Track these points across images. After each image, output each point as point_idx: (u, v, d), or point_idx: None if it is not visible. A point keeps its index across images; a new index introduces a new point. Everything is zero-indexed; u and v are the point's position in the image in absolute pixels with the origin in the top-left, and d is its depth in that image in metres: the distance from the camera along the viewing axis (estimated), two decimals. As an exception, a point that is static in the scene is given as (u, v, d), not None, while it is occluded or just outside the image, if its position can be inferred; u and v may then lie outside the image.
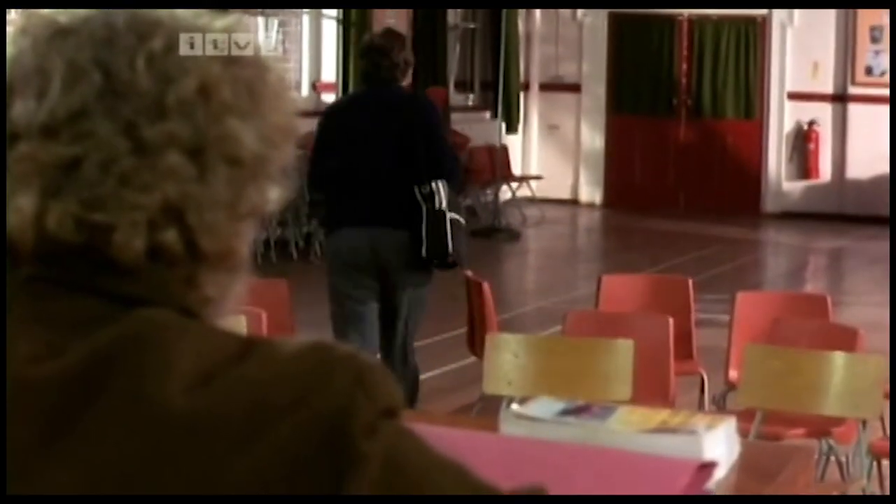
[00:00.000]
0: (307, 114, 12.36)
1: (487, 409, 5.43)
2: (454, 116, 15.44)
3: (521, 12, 17.20)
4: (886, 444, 5.31)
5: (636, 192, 17.22)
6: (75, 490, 1.06)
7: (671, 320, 5.88)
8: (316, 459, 1.05)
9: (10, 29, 1.18)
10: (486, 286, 6.48)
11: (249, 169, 1.17)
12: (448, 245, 6.23)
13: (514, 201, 15.78)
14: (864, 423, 5.14)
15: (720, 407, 6.14)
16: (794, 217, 16.27)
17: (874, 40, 16.20)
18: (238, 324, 4.32)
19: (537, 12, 17.54)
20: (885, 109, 15.74)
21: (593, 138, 17.55)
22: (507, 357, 5.18)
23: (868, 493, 5.21)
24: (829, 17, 16.23)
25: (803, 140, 16.64)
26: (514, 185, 16.04)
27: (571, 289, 11.28)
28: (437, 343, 8.20)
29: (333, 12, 14.44)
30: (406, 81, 6.50)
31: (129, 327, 1.09)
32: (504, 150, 16.11)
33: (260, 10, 12.89)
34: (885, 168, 15.74)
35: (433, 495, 1.09)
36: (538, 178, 16.94)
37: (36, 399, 1.08)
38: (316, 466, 1.05)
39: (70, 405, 1.07)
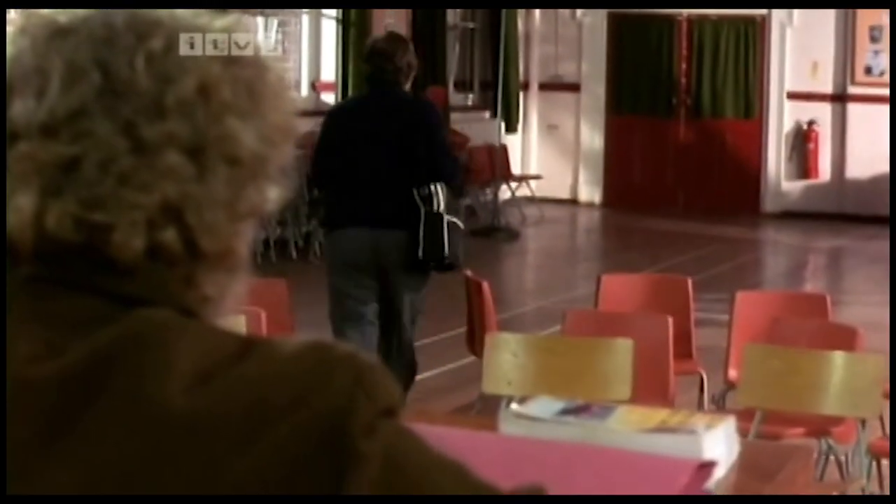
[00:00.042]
0: (306, 113, 12.38)
1: (487, 409, 5.44)
2: (454, 116, 15.44)
3: (521, 12, 17.20)
4: (886, 444, 5.31)
5: (635, 191, 17.22)
6: (75, 490, 1.06)
7: (670, 320, 5.88)
8: (315, 459, 1.05)
9: (9, 29, 1.17)
10: (485, 286, 6.49)
11: (249, 168, 1.17)
12: (444, 247, 6.29)
13: (514, 201, 15.78)
14: (864, 422, 5.14)
15: (719, 406, 6.14)
16: (793, 217, 16.27)
17: (874, 40, 16.20)
18: (237, 323, 4.32)
19: (537, 12, 17.54)
20: (884, 109, 15.75)
21: (593, 138, 17.55)
22: (506, 356, 5.18)
23: (867, 492, 5.21)
24: (828, 16, 16.23)
25: (803, 140, 16.64)
26: (514, 184, 16.05)
27: (571, 288, 11.28)
28: (436, 342, 8.20)
29: (333, 12, 14.44)
30: (409, 85, 6.55)
31: (129, 327, 1.09)
32: (503, 149, 16.11)
33: (259, 9, 12.89)
34: (884, 167, 15.74)
35: (433, 495, 1.09)
36: (537, 177, 16.94)
37: (36, 399, 1.08)
38: (315, 466, 1.05)
39: (70, 405, 1.07)
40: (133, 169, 1.12)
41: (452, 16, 16.48)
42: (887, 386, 5.27)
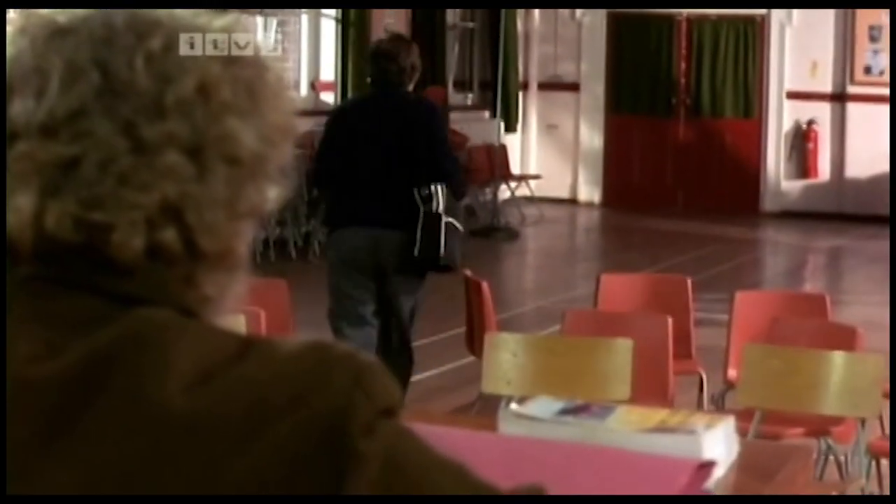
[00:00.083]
0: (306, 113, 12.38)
1: (486, 409, 5.43)
2: (453, 116, 15.43)
3: (520, 12, 17.20)
4: (885, 444, 5.30)
5: (635, 191, 17.22)
6: (75, 490, 1.06)
7: (670, 320, 5.88)
8: (315, 459, 1.05)
9: (9, 28, 1.17)
10: (484, 285, 6.49)
11: (248, 168, 1.17)
12: (440, 248, 6.32)
13: (513, 200, 15.78)
14: (863, 422, 5.14)
15: (719, 406, 6.13)
16: (792, 216, 16.27)
17: (873, 39, 16.20)
18: (237, 323, 4.32)
19: (536, 12, 17.54)
20: (883, 109, 15.75)
21: (592, 137, 17.55)
22: (505, 356, 5.18)
23: (867, 492, 5.20)
24: (827, 16, 16.24)
25: (802, 139, 16.64)
26: (513, 184, 16.05)
27: (570, 288, 11.28)
28: (435, 342, 8.20)
29: (332, 12, 14.44)
30: (413, 85, 6.58)
31: (129, 327, 1.09)
32: (503, 149, 16.11)
33: (259, 9, 12.89)
34: (883, 167, 15.74)
35: (432, 495, 1.09)
36: (537, 177, 16.94)
37: (36, 399, 1.08)
38: (315, 466, 1.05)
39: (70, 405, 1.07)
40: (132, 169, 1.12)
41: (452, 15, 16.48)
42: (887, 386, 5.27)
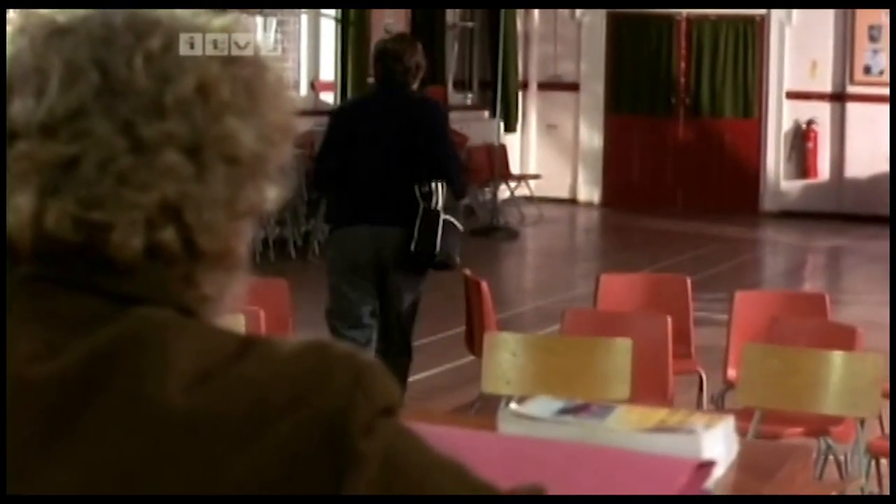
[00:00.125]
0: (305, 113, 12.38)
1: (486, 408, 5.44)
2: (452, 115, 15.35)
3: (520, 11, 17.19)
4: (885, 443, 5.30)
5: (634, 191, 17.21)
6: (75, 490, 1.06)
7: (669, 319, 5.88)
8: (315, 459, 1.05)
9: (8, 28, 1.17)
10: (484, 285, 6.49)
11: (248, 168, 1.17)
12: (436, 244, 6.33)
13: (513, 200, 15.78)
14: (863, 421, 5.14)
15: (718, 406, 6.14)
16: (792, 216, 16.27)
17: (872, 39, 16.20)
18: (236, 323, 4.32)
19: (536, 11, 17.53)
20: (883, 108, 15.74)
21: (592, 137, 17.55)
22: (505, 356, 5.18)
23: (866, 492, 5.20)
24: (827, 16, 16.23)
25: (802, 139, 16.64)
26: (513, 183, 16.04)
27: (570, 288, 11.28)
28: (435, 342, 8.20)
29: (332, 11, 14.44)
30: (417, 84, 6.60)
31: (128, 326, 1.09)
32: (502, 149, 16.11)
33: (258, 9, 12.89)
34: (883, 167, 15.74)
35: (432, 495, 1.09)
36: (536, 177, 16.93)
37: (35, 398, 1.08)
38: (315, 466, 1.05)
39: (69, 405, 1.07)
40: (132, 168, 1.12)
41: (451, 15, 16.48)
42: (886, 385, 5.27)
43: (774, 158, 16.80)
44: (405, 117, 6.41)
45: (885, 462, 5.36)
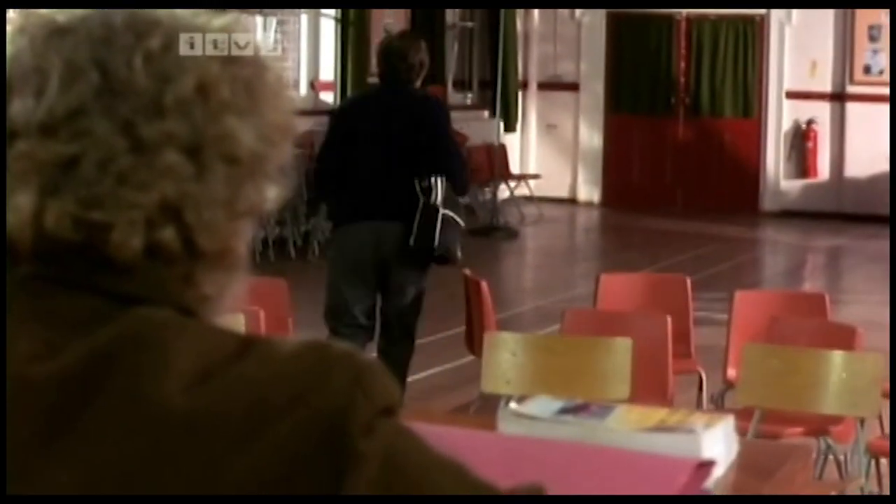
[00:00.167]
0: (305, 113, 12.38)
1: (486, 408, 5.43)
2: (452, 115, 15.40)
3: (520, 11, 17.19)
4: (885, 443, 5.30)
5: (634, 190, 17.21)
6: (75, 490, 1.06)
7: (669, 319, 5.88)
8: (315, 458, 1.05)
9: (8, 28, 1.17)
10: (484, 285, 6.49)
11: (247, 167, 1.16)
12: (435, 238, 6.34)
13: (513, 200, 15.78)
14: (863, 421, 5.14)
15: (718, 405, 6.13)
16: (792, 216, 16.27)
17: (872, 39, 16.20)
18: (236, 322, 4.32)
19: (535, 11, 17.53)
20: (883, 108, 15.74)
21: (591, 137, 17.55)
22: (505, 356, 5.18)
23: (866, 492, 5.20)
24: (827, 16, 16.23)
25: (802, 139, 16.64)
26: (513, 183, 16.05)
27: (569, 287, 11.28)
28: (435, 342, 8.20)
29: (332, 11, 14.44)
30: (420, 82, 6.62)
31: (128, 326, 1.09)
32: (502, 148, 16.11)
33: (258, 9, 12.89)
34: (883, 167, 15.74)
35: (432, 495, 1.09)
36: (536, 176, 16.94)
37: (35, 398, 1.08)
38: (315, 465, 1.05)
39: (69, 404, 1.07)
40: (132, 168, 1.12)
41: (451, 15, 16.48)
42: (886, 385, 5.27)
43: (774, 158, 16.80)
44: (408, 115, 6.43)
45: (884, 462, 5.36)
